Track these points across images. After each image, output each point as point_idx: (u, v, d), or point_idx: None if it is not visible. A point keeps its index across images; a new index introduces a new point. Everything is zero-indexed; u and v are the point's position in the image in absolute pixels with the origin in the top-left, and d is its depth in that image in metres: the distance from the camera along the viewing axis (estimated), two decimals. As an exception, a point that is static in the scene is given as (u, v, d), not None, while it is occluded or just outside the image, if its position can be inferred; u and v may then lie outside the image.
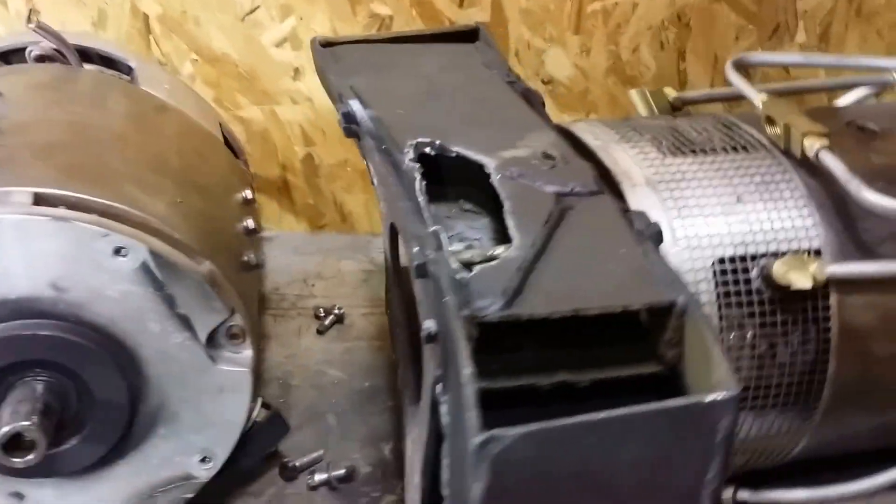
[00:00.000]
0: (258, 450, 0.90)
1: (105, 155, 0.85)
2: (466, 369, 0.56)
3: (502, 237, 0.71)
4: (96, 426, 0.77)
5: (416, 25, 1.27)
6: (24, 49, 1.03)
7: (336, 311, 1.20)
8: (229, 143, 1.10)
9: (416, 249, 0.67)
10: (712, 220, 0.77)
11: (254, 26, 1.29)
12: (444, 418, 0.64)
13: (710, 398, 0.55)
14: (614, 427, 0.56)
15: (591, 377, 0.63)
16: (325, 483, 0.93)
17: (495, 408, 0.62)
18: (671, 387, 0.63)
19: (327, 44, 0.94)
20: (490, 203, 0.74)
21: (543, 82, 1.31)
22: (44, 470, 0.78)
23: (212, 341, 0.80)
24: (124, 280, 0.74)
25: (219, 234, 0.87)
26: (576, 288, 0.63)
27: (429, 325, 0.65)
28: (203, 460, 0.83)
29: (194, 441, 0.82)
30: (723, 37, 1.30)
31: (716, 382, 0.56)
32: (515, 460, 0.54)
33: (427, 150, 0.74)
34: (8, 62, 1.04)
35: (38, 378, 0.75)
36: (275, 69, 1.31)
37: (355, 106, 0.79)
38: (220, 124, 1.11)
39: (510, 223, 0.68)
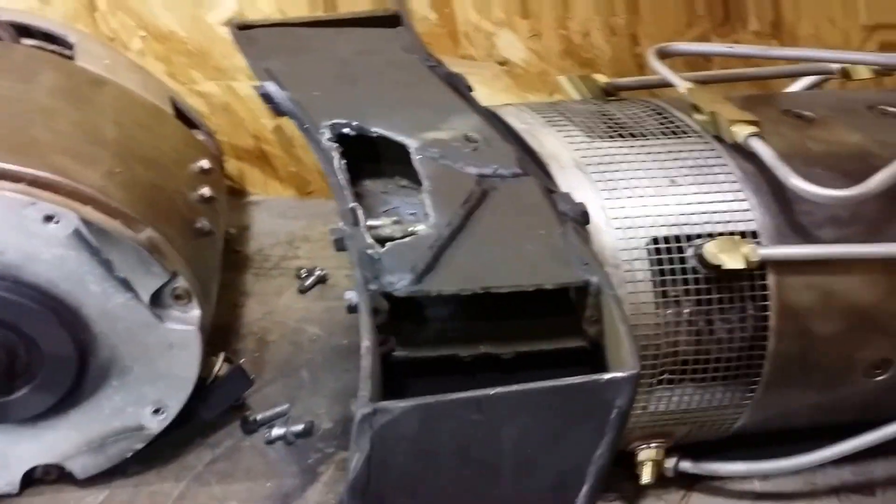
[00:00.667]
0: (218, 403, 0.92)
1: (33, 127, 0.86)
2: (365, 341, 0.57)
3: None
4: (46, 377, 0.80)
5: (362, 7, 1.26)
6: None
7: (318, 272, 1.21)
8: (183, 116, 1.10)
9: (335, 225, 0.68)
10: (646, 201, 0.77)
11: (198, 5, 1.30)
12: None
13: (608, 377, 0.56)
14: (503, 404, 0.57)
15: (514, 350, 0.64)
16: (282, 437, 0.95)
17: (423, 376, 0.63)
18: (599, 361, 0.63)
19: (245, 27, 0.94)
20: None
21: (499, 63, 1.31)
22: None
23: (157, 301, 0.82)
24: (58, 245, 0.77)
25: (165, 202, 0.89)
26: (490, 266, 0.64)
27: (348, 295, 0.66)
28: (156, 412, 0.86)
29: (147, 393, 0.85)
30: (675, 24, 1.28)
31: (620, 361, 0.57)
32: (399, 433, 0.56)
33: (345, 130, 0.75)
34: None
35: (-10, 335, 0.77)
36: (225, 47, 1.30)
37: (271, 88, 0.80)
38: (172, 98, 1.11)
39: (427, 202, 0.69)
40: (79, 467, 0.87)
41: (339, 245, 0.68)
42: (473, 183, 0.70)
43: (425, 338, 0.67)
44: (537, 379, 0.58)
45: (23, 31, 1.06)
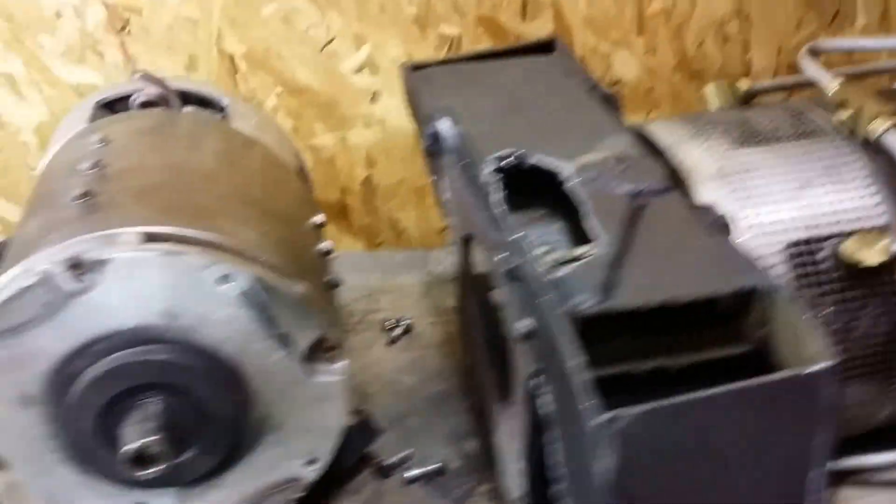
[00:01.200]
0: (354, 451, 0.94)
1: (200, 193, 0.90)
2: (575, 360, 0.60)
3: (577, 239, 0.75)
4: (209, 438, 0.82)
5: (484, 43, 1.31)
6: (127, 97, 1.09)
7: (403, 323, 1.24)
8: (301, 171, 1.15)
9: (502, 256, 0.71)
10: (780, 206, 0.80)
11: (332, 56, 1.35)
12: (546, 408, 0.68)
13: (809, 370, 0.59)
14: (723, 402, 0.60)
15: (685, 361, 0.68)
16: (420, 478, 0.97)
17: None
18: (757, 367, 0.66)
19: (417, 67, 0.98)
20: (561, 209, 0.78)
21: (612, 84, 1.36)
22: (166, 480, 0.83)
23: (309, 356, 0.84)
24: (229, 305, 0.79)
25: (302, 258, 0.92)
26: (662, 279, 0.68)
27: (524, 324, 0.69)
28: (309, 463, 0.87)
29: (299, 446, 0.87)
30: (784, 25, 1.33)
31: (811, 356, 0.60)
32: (638, 436, 0.58)
33: (504, 163, 0.79)
34: (113, 110, 1.09)
35: (155, 399, 0.79)
36: (354, 95, 1.37)
37: (445, 124, 0.84)
38: (296, 153, 1.16)
39: (591, 224, 0.72)
40: (242, 524, 0.88)
41: (512, 275, 0.71)
42: (628, 201, 0.73)
43: (595, 359, 0.70)
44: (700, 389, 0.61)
45: (181, 96, 1.10)
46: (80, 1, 1.31)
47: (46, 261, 0.76)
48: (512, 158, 0.79)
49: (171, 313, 0.79)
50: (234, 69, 1.35)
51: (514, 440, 0.82)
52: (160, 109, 1.06)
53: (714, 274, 0.68)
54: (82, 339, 0.78)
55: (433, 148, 0.86)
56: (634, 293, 0.66)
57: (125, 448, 0.76)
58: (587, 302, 0.65)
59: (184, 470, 0.84)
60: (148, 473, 0.77)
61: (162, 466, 0.77)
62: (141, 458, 0.77)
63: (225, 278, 0.79)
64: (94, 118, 1.07)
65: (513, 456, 0.82)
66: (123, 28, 1.32)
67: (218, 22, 1.32)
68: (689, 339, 0.71)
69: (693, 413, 0.59)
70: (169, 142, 1.00)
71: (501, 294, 0.76)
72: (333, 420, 0.87)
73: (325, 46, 1.34)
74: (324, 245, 0.99)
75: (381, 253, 1.47)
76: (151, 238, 0.79)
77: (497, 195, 0.76)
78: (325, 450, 0.88)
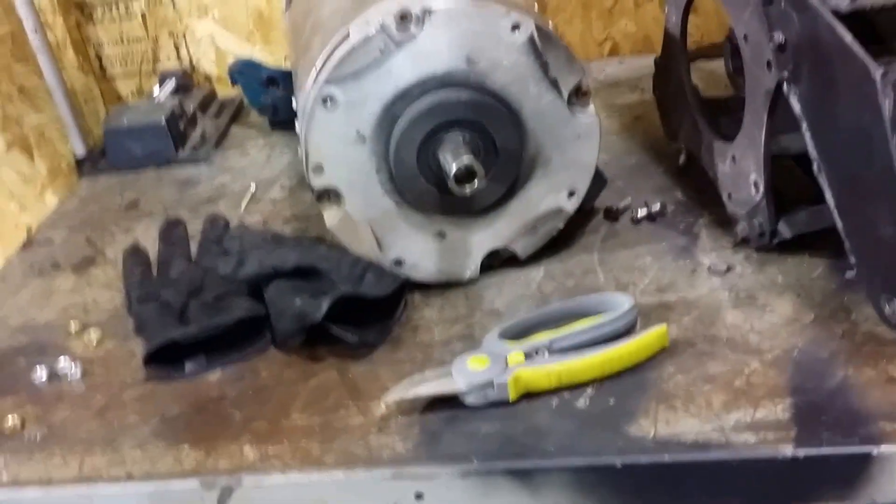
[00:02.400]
0: (592, 194, 1.09)
1: None
2: (848, 36, 0.74)
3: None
4: (499, 169, 0.98)
5: None
6: None
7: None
8: None
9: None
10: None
11: None
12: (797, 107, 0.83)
13: None
14: None
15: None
16: (647, 217, 1.14)
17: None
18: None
19: None
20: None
21: None
22: (463, 208, 1.00)
23: (572, 98, 0.99)
24: (516, 51, 0.94)
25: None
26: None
27: (778, 36, 0.84)
28: (570, 195, 1.04)
29: (563, 179, 1.03)
30: None
31: None
32: None
33: None
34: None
35: (462, 132, 0.95)
36: None
37: None
38: None
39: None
40: (520, 248, 1.05)
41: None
42: None
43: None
44: None
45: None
46: None
47: (380, 14, 0.92)
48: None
49: (472, 59, 0.94)
50: None
51: (747, 156, 0.97)
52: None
53: None
54: (404, 82, 0.94)
55: None
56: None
57: (455, 164, 0.92)
58: (844, 2, 0.80)
59: (477, 199, 1.00)
60: (472, 187, 0.93)
61: (481, 182, 0.93)
62: (463, 176, 0.93)
63: (516, 27, 0.94)
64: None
65: (744, 172, 0.98)
66: None
67: None
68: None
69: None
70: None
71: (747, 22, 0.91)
72: (589, 156, 1.03)
73: None
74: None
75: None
76: (452, -5, 0.94)
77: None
78: (582, 183, 1.04)
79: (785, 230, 0.98)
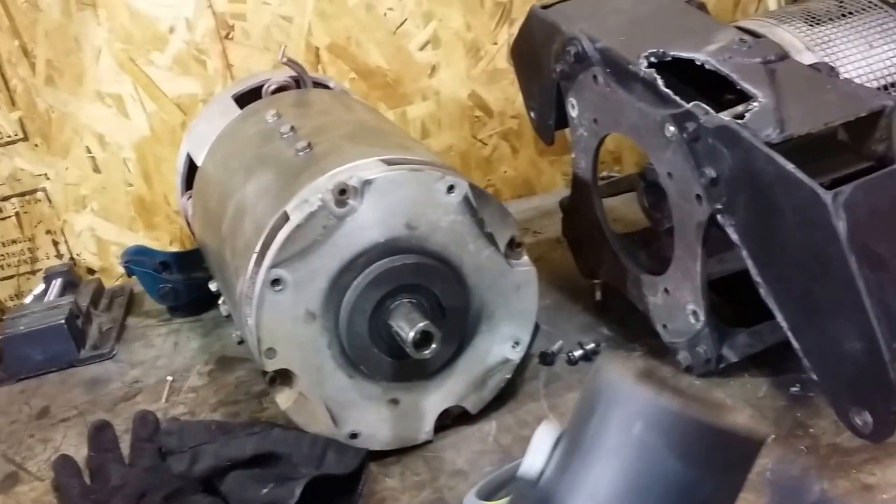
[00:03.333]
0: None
1: (382, 134, 1.09)
2: (789, 166, 0.80)
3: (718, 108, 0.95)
4: (448, 330, 0.98)
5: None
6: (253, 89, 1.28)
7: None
8: None
9: (686, 123, 0.92)
10: (857, 63, 1.03)
11: (403, 37, 1.55)
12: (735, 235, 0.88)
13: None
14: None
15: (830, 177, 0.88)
16: (583, 357, 1.15)
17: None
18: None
19: (546, 6, 1.17)
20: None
21: None
22: (416, 372, 0.99)
23: (506, 251, 1.01)
24: (453, 212, 0.96)
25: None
26: (818, 111, 0.89)
27: (709, 172, 0.90)
28: (514, 345, 1.05)
29: (506, 331, 1.04)
30: None
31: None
32: (857, 204, 0.77)
33: (653, 58, 0.99)
34: (241, 105, 1.25)
35: (409, 297, 0.96)
36: (416, 70, 1.56)
37: (586, 43, 1.03)
38: None
39: (746, 86, 0.93)
40: (471, 404, 1.05)
41: (695, 135, 0.91)
42: (763, 67, 0.95)
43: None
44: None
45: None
46: (192, 13, 1.45)
47: (317, 190, 0.92)
48: (659, 52, 0.99)
49: (412, 224, 0.95)
50: (317, 60, 1.53)
51: (682, 287, 1.01)
52: (297, 90, 1.23)
53: (853, 102, 0.90)
54: (349, 255, 0.94)
55: (573, 67, 1.06)
56: (803, 123, 0.88)
57: (412, 332, 0.92)
58: (773, 134, 0.86)
59: (429, 362, 0.99)
60: (430, 350, 0.93)
61: (436, 345, 0.93)
62: (421, 340, 0.93)
63: (451, 188, 0.96)
64: (240, 106, 1.23)
65: (680, 302, 1.02)
66: (228, 35, 1.47)
67: (309, 17, 1.49)
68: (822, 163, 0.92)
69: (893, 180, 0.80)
70: (327, 108, 1.17)
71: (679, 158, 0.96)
72: (530, 304, 1.05)
73: (398, 28, 1.53)
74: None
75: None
76: (388, 163, 0.96)
77: (660, 82, 0.96)
78: (525, 332, 1.06)
79: (730, 354, 1.01)
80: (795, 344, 0.87)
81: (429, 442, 1.04)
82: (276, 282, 0.91)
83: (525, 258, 1.04)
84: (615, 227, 1.22)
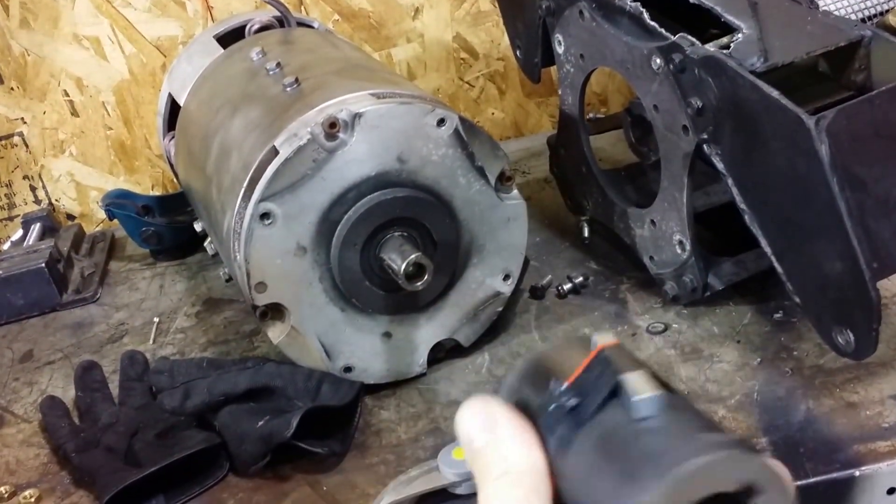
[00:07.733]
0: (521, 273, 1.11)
1: (370, 70, 1.08)
2: (774, 92, 0.81)
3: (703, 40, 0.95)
4: (439, 263, 0.98)
5: None
6: (237, 29, 1.27)
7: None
8: None
9: (672, 55, 0.92)
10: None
11: None
12: (721, 164, 0.89)
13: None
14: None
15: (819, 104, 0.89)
16: (572, 290, 1.17)
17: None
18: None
19: None
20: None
21: None
22: (409, 305, 1.00)
23: (497, 184, 1.02)
24: (444, 145, 0.96)
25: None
26: (800, 41, 0.90)
27: (695, 102, 0.90)
28: (505, 278, 1.06)
29: (497, 264, 1.05)
30: None
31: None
32: (839, 129, 0.78)
33: (635, -7, 0.99)
34: (223, 45, 1.24)
35: (401, 230, 0.96)
36: (400, 12, 1.55)
37: None
38: None
39: (730, 18, 0.93)
40: (463, 337, 1.06)
41: (680, 66, 0.91)
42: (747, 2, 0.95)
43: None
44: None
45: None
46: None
47: (306, 124, 0.92)
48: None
49: (403, 158, 0.95)
50: (300, 2, 1.51)
51: (668, 218, 1.02)
52: (282, 28, 1.22)
53: (832, 32, 0.91)
54: (340, 188, 0.94)
55: (559, 3, 1.06)
56: (786, 52, 0.88)
57: (404, 264, 0.92)
58: (758, 62, 0.87)
59: (422, 295, 1.00)
60: (422, 282, 0.93)
61: (428, 277, 0.94)
62: (413, 272, 0.93)
63: (441, 122, 0.96)
64: (222, 47, 1.22)
65: (665, 231, 1.03)
66: (209, -26, 1.46)
67: (294, -43, 1.48)
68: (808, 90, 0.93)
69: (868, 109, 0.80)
70: (313, 46, 1.16)
71: (666, 90, 0.96)
72: (520, 238, 1.05)
73: (380, -33, 1.52)
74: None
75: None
76: (378, 97, 0.95)
77: (646, 14, 0.96)
78: (516, 265, 1.06)
79: (715, 282, 1.03)
80: (779, 268, 0.88)
81: (423, 375, 1.05)
82: (265, 216, 0.91)
83: (515, 192, 1.04)
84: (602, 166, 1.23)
